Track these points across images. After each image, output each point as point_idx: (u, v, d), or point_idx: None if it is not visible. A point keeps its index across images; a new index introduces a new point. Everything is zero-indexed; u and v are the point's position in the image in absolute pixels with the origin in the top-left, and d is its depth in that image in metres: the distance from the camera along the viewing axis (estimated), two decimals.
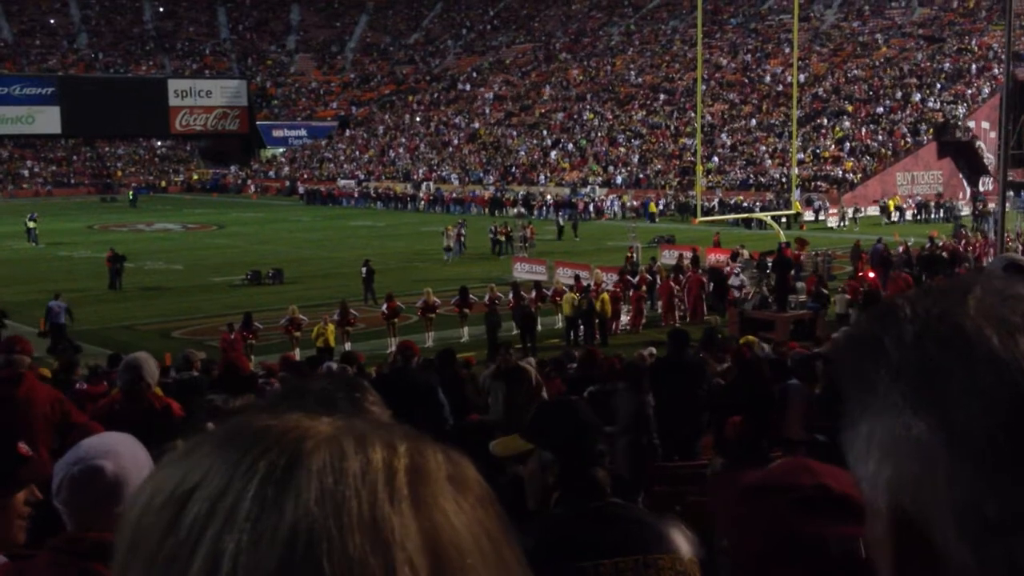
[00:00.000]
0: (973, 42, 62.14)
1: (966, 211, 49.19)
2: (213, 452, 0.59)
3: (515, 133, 75.70)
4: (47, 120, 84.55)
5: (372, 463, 0.58)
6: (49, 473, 5.12)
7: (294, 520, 0.54)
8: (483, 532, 0.59)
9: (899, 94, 60.17)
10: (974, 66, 59.72)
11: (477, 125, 79.77)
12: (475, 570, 0.57)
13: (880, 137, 57.03)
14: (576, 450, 2.53)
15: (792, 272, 25.09)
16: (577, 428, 2.58)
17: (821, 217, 48.95)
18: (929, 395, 0.62)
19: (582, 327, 23.36)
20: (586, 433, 2.58)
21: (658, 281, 25.88)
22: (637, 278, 26.03)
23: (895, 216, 48.78)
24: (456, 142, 77.97)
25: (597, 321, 23.38)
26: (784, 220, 39.72)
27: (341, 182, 73.93)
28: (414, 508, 0.57)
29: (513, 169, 68.80)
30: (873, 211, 49.32)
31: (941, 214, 49.23)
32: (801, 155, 53.39)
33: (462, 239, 37.88)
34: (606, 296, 23.84)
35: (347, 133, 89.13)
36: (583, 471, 2.51)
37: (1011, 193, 35.67)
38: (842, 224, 47.02)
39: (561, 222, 45.94)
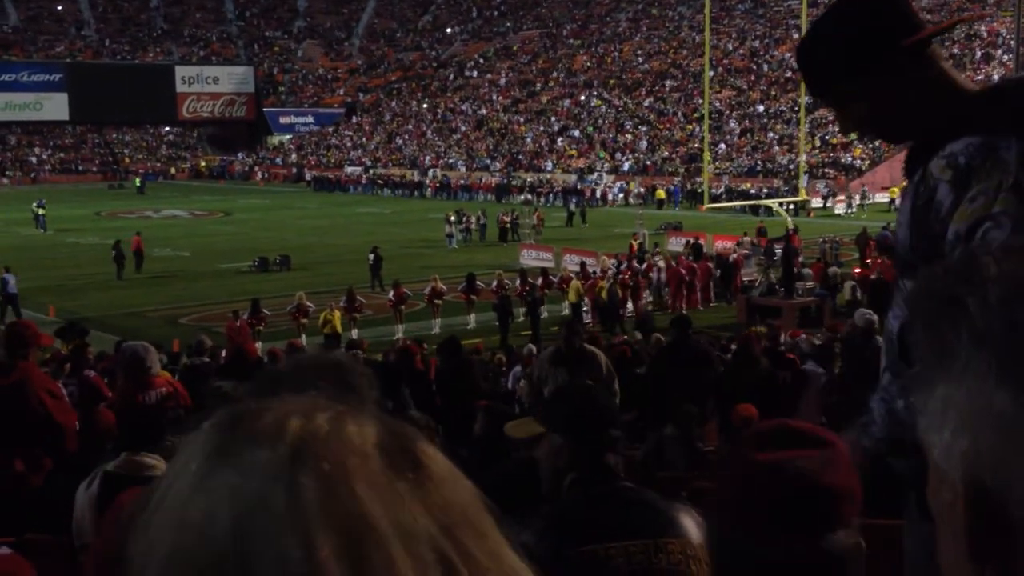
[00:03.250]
0: (982, 28, 61.79)
1: None
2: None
3: (522, 120, 75.55)
4: (55, 107, 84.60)
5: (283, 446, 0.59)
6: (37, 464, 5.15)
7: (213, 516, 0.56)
8: (417, 508, 0.58)
9: None
10: (980, 52, 59.40)
11: (484, 112, 79.63)
12: (386, 546, 0.56)
13: None
14: (587, 434, 2.54)
15: (800, 258, 25.10)
16: (589, 412, 2.59)
17: (829, 204, 48.80)
18: (1015, 365, 0.59)
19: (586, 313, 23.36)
20: (599, 417, 2.59)
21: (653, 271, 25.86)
22: (644, 265, 26.02)
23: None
24: (463, 129, 77.86)
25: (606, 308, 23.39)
26: (791, 207, 39.65)
27: (348, 169, 73.95)
28: (324, 487, 0.57)
29: (520, 156, 68.70)
30: (882, 198, 49.18)
31: None
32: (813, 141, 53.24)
33: (471, 226, 38.02)
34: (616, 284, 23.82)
35: (354, 120, 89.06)
36: (594, 455, 2.52)
37: None
38: (850, 211, 46.88)
39: (571, 208, 45.95)
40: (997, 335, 0.60)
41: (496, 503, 0.63)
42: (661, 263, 26.12)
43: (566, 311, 24.26)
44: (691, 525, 2.35)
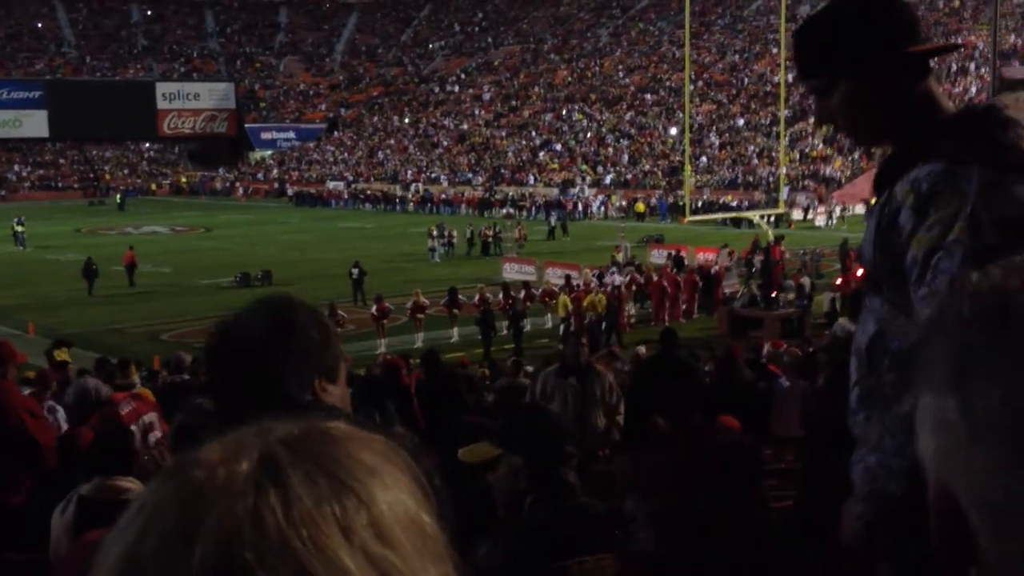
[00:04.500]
0: (959, 41, 62.40)
1: None
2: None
3: (504, 134, 75.74)
4: (34, 124, 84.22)
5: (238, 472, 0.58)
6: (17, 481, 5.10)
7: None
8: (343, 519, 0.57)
9: None
10: (955, 65, 59.98)
11: (466, 126, 79.78)
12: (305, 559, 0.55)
13: None
14: (547, 453, 2.56)
15: (782, 269, 25.23)
16: (547, 432, 2.62)
17: (809, 216, 49.09)
18: (961, 376, 0.63)
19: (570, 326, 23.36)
20: (556, 436, 2.62)
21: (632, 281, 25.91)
22: (627, 278, 26.09)
23: None
24: (445, 143, 77.97)
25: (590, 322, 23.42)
26: (772, 219, 39.85)
27: (330, 184, 73.87)
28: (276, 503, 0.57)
29: (502, 170, 68.84)
30: (861, 209, 49.50)
31: None
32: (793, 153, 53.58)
33: (453, 240, 38.12)
34: (602, 296, 23.85)
35: (336, 135, 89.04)
36: (554, 473, 2.54)
37: None
38: (830, 223, 47.16)
39: (552, 222, 46.06)
40: (957, 346, 0.64)
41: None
42: (640, 277, 26.19)
43: (549, 324, 24.30)
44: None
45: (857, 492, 1.93)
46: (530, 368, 14.47)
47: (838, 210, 48.43)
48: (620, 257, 30.33)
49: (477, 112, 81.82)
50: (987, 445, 0.61)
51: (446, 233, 38.44)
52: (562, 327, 23.00)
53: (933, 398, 0.65)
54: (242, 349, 1.81)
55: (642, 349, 15.26)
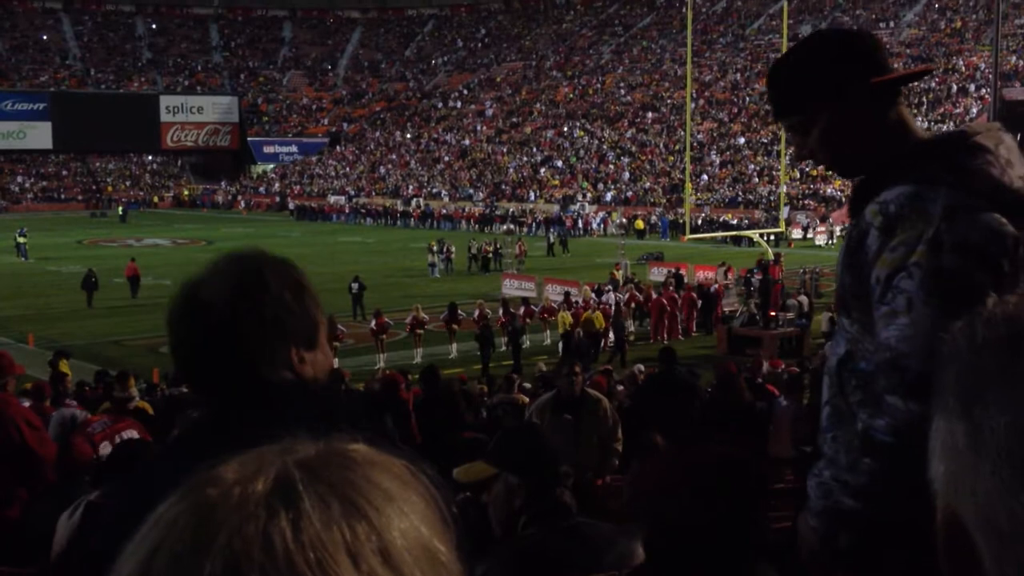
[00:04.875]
0: (960, 62, 62.61)
1: None
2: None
3: (505, 150, 75.89)
4: (39, 135, 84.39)
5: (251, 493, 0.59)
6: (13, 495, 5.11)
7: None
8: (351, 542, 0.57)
9: None
10: (955, 86, 60.13)
11: (467, 142, 79.95)
12: None
13: None
14: (542, 472, 2.57)
15: (781, 288, 25.24)
16: (542, 451, 2.63)
17: (809, 235, 49.14)
18: (971, 401, 0.64)
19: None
20: (551, 455, 2.63)
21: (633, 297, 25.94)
22: (627, 295, 26.11)
23: None
24: (447, 159, 78.12)
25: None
26: (772, 238, 39.89)
27: (331, 198, 73.98)
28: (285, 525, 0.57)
29: (503, 186, 68.95)
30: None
31: None
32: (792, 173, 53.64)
33: (452, 255, 38.13)
34: (599, 313, 23.88)
35: (338, 149, 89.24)
36: (550, 492, 2.55)
37: None
38: (830, 242, 47.21)
39: (551, 239, 46.10)
40: (969, 372, 0.65)
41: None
42: (640, 295, 26.22)
43: (547, 341, 24.30)
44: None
45: (811, 506, 1.97)
46: (527, 385, 14.49)
47: (838, 229, 48.49)
48: (620, 275, 30.36)
49: (479, 128, 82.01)
50: (992, 470, 0.61)
51: (445, 248, 38.48)
52: (561, 344, 23.02)
53: (944, 422, 0.66)
54: (206, 324, 1.59)
55: (640, 367, 15.27)
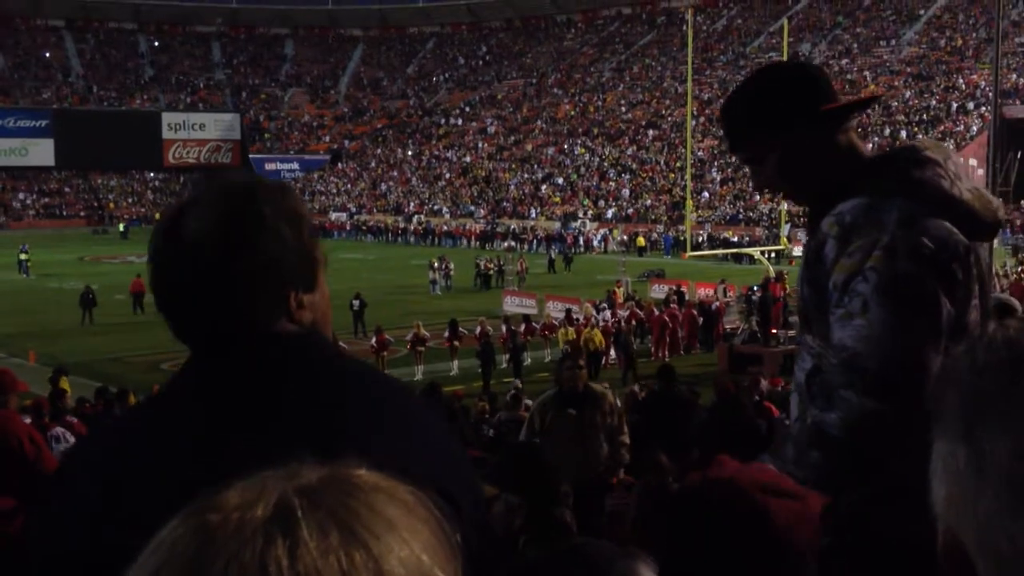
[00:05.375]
0: (960, 80, 62.77)
1: None
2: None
3: (506, 167, 76.02)
4: (41, 152, 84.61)
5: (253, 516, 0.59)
6: (15, 511, 5.11)
7: None
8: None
9: (887, 131, 60.67)
10: (956, 104, 60.27)
11: (469, 159, 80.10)
12: None
13: None
14: (543, 492, 2.56)
15: (783, 305, 25.20)
16: (542, 470, 2.62)
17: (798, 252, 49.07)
18: (971, 424, 0.64)
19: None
20: (552, 475, 2.62)
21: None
22: (628, 312, 26.09)
23: None
24: (448, 176, 78.25)
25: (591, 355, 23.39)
26: (773, 255, 39.91)
27: (333, 215, 74.08)
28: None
29: (504, 203, 69.03)
30: None
31: None
32: None
33: (451, 272, 38.11)
34: (598, 332, 23.86)
35: (339, 166, 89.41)
36: (550, 512, 2.54)
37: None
38: None
39: (552, 255, 46.13)
40: (969, 395, 0.66)
41: None
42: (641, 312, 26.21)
43: (548, 358, 24.27)
44: (648, 574, 2.37)
45: None
46: (529, 402, 14.46)
47: None
48: (621, 292, 30.34)
49: (480, 145, 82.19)
50: (994, 493, 0.61)
51: (445, 266, 38.49)
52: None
53: (945, 445, 0.66)
54: (192, 266, 1.36)
55: (636, 386, 15.24)
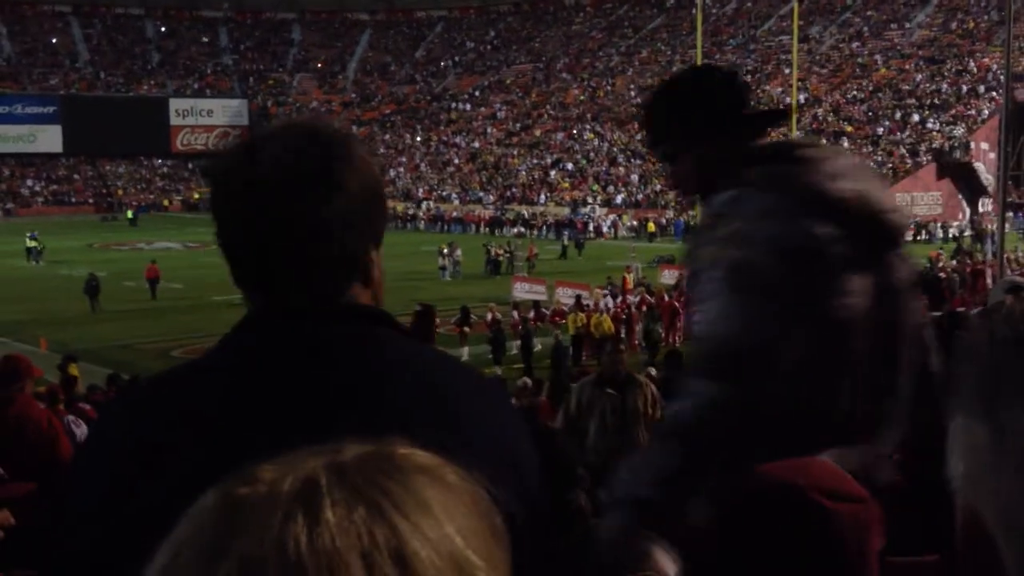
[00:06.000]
0: (972, 63, 62.41)
1: (957, 231, 49.16)
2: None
3: (515, 153, 75.90)
4: (49, 139, 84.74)
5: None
6: (30, 496, 5.10)
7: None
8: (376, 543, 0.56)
9: (898, 115, 60.38)
10: (967, 87, 59.93)
11: (477, 145, 80.00)
12: None
13: (879, 158, 57.18)
14: (558, 476, 2.55)
15: None
16: (558, 455, 2.61)
17: None
18: (992, 399, 0.64)
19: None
20: (566, 459, 2.61)
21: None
22: (639, 298, 26.03)
23: None
24: (457, 162, 78.17)
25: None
26: None
27: None
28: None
29: (513, 189, 68.96)
30: None
31: (940, 234, 49.23)
32: None
33: (459, 259, 38.09)
34: (607, 317, 23.82)
35: None
36: (565, 496, 2.53)
37: (1010, 214, 35.71)
38: None
39: (565, 241, 46.08)
40: (988, 372, 0.65)
41: None
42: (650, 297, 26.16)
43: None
44: (665, 559, 2.35)
45: (606, 506, 2.04)
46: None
47: None
48: (631, 278, 30.27)
49: (489, 131, 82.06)
50: (1014, 468, 0.61)
51: (454, 252, 38.47)
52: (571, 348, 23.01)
53: (964, 421, 0.66)
54: (280, 201, 1.17)
55: (652, 371, 15.20)
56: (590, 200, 62.60)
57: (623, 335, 24.30)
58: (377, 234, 1.29)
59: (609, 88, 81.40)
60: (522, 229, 54.62)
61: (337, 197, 1.18)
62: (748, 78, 72.77)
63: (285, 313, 1.21)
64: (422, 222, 62.68)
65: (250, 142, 1.24)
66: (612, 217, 57.41)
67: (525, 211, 61.06)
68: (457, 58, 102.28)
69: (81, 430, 7.82)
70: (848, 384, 1.93)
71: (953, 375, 0.68)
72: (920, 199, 54.35)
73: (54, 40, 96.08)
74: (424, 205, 68.14)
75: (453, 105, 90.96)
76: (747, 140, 2.12)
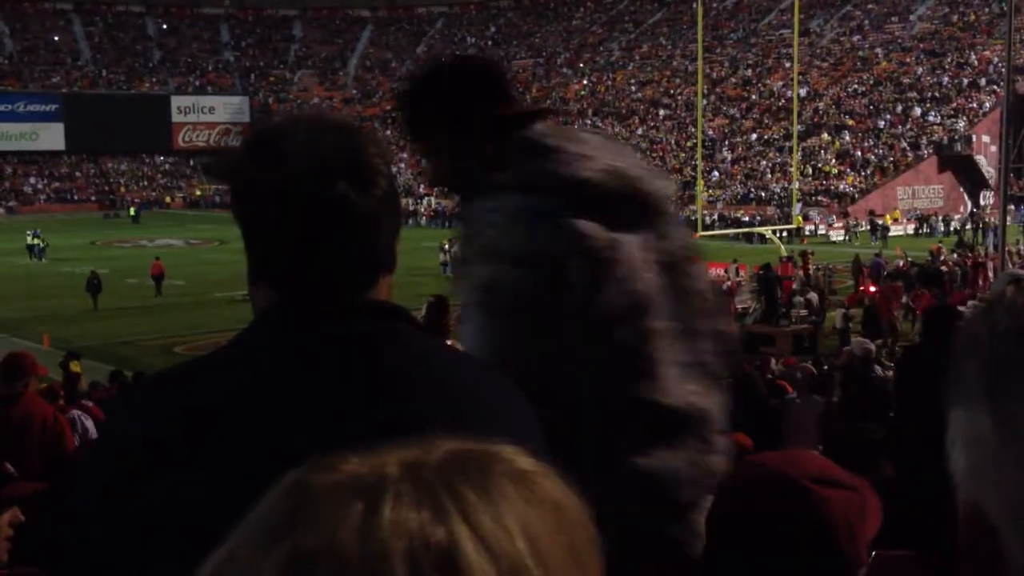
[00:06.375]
0: (973, 56, 62.32)
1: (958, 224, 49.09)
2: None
3: None
4: (51, 137, 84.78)
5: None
6: (37, 494, 5.18)
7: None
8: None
9: (899, 108, 60.32)
10: (968, 80, 59.86)
11: None
12: None
13: (880, 151, 57.14)
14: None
15: (795, 286, 25.17)
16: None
17: (821, 231, 48.92)
18: (994, 390, 0.63)
19: None
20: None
21: None
22: None
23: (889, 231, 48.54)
24: None
25: None
26: (785, 234, 39.79)
27: None
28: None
29: None
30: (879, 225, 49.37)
31: (942, 228, 49.18)
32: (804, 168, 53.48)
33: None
34: None
35: None
36: None
37: (1012, 207, 35.70)
38: (845, 238, 46.99)
39: None
40: (990, 363, 0.64)
41: None
42: None
43: None
44: None
45: None
46: None
47: (858, 224, 48.21)
48: None
49: None
50: (1017, 461, 0.61)
51: (452, 247, 38.47)
52: None
53: (966, 413, 0.65)
54: (324, 192, 1.15)
55: None
56: None
57: None
58: (399, 225, 1.26)
59: (610, 83, 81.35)
60: None
61: (374, 187, 1.17)
62: (749, 72, 72.82)
63: (302, 310, 1.18)
64: (424, 218, 62.70)
65: (266, 135, 1.22)
66: None
67: None
68: (458, 54, 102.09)
69: (86, 424, 7.87)
70: (621, 373, 1.83)
71: (953, 367, 0.67)
72: (921, 192, 54.34)
73: (56, 38, 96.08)
74: (425, 201, 68.16)
75: None
76: (505, 137, 1.96)
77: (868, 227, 47.30)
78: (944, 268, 28.78)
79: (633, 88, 78.44)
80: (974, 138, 54.92)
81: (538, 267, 1.79)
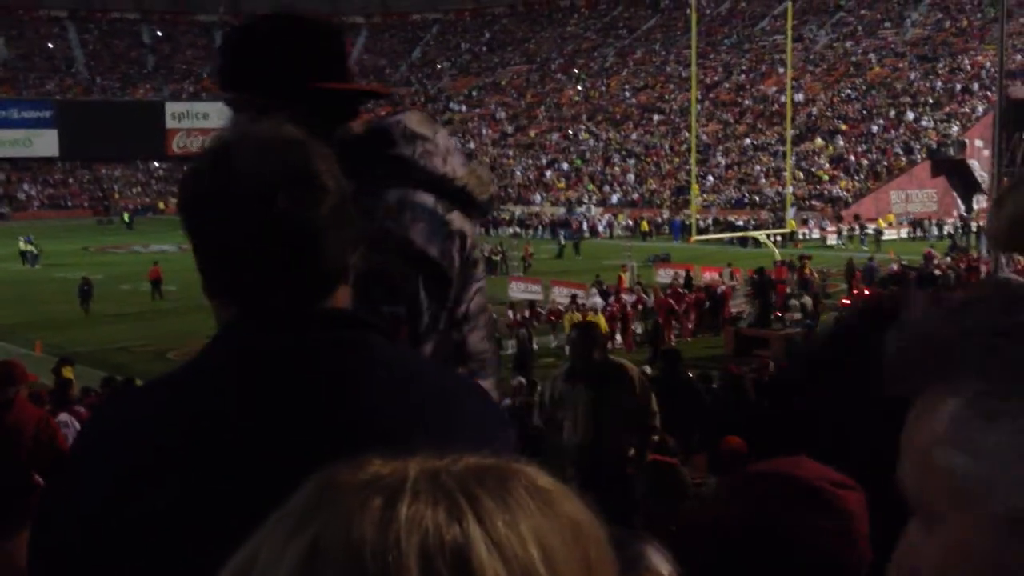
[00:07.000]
0: (966, 61, 62.50)
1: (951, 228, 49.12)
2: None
3: (511, 153, 75.94)
4: (45, 143, 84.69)
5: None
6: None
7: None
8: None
9: (892, 113, 60.46)
10: (961, 85, 60.01)
11: (473, 146, 79.99)
12: None
13: (873, 155, 57.26)
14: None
15: (789, 290, 25.21)
16: (547, 455, 2.61)
17: (815, 235, 48.96)
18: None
19: None
20: (557, 460, 2.61)
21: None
22: (634, 297, 26.08)
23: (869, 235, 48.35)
24: None
25: None
26: (779, 239, 39.85)
27: None
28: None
29: (509, 189, 68.99)
30: (867, 230, 49.42)
31: (935, 232, 49.24)
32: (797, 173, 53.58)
33: None
34: (601, 316, 23.85)
35: None
36: None
37: None
38: (840, 242, 47.04)
39: (562, 241, 46.13)
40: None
41: None
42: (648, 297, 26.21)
43: (553, 343, 24.28)
44: (659, 559, 2.36)
45: None
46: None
47: (845, 230, 48.31)
48: (627, 277, 30.31)
49: (484, 132, 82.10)
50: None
51: None
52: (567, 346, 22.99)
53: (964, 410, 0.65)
54: (264, 205, 1.14)
55: (646, 368, 15.25)
56: (585, 200, 62.66)
57: (618, 334, 24.43)
58: (356, 236, 1.24)
59: (604, 88, 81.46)
60: (517, 229, 54.67)
61: (320, 203, 1.16)
62: (743, 77, 72.97)
63: (265, 321, 1.19)
64: None
65: (216, 152, 1.23)
66: (608, 217, 57.46)
67: (520, 211, 61.11)
68: (452, 60, 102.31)
69: (77, 428, 7.88)
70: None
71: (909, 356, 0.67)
72: (915, 196, 54.42)
73: (50, 45, 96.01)
74: None
75: (449, 106, 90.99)
76: (340, 115, 1.82)
77: (858, 231, 47.38)
78: (938, 271, 28.86)
79: (627, 94, 78.55)
80: (967, 142, 55.01)
81: (416, 258, 1.79)
